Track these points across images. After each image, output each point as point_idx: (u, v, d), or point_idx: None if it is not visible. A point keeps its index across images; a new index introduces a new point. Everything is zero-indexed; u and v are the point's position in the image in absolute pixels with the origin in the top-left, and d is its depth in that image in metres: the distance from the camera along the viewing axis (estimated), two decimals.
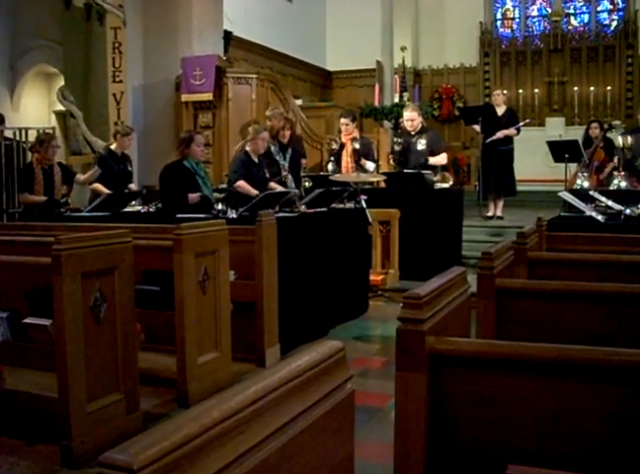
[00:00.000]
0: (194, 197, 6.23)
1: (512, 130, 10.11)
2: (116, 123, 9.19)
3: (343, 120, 8.77)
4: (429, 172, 8.36)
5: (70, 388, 3.34)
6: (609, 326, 2.87)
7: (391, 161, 9.28)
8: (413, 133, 8.76)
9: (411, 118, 8.78)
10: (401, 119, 12.75)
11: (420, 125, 8.81)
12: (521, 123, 10.45)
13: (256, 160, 6.93)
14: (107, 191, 7.18)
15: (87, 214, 6.43)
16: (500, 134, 10.00)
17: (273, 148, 7.50)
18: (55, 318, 3.37)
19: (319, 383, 1.47)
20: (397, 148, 8.79)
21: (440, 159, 8.81)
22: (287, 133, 7.64)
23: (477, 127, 10.19)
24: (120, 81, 9.53)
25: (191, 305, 4.19)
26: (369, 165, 8.60)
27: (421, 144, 8.63)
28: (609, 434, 1.83)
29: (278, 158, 7.53)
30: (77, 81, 9.61)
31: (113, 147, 7.83)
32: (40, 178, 7.13)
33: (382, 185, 8.76)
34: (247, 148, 7.02)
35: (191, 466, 1.06)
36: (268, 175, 7.09)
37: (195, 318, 4.23)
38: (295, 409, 1.36)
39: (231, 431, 1.16)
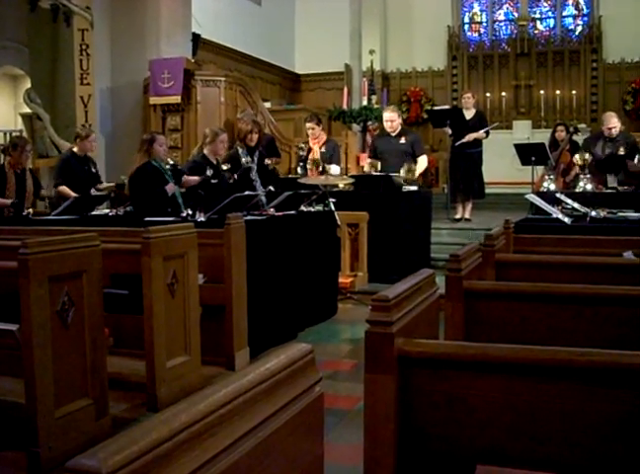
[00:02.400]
0: (170, 186, 6.28)
1: (481, 133, 10.19)
2: (83, 126, 9.12)
3: (308, 125, 8.83)
4: (400, 175, 8.36)
5: (38, 394, 3.30)
6: (576, 326, 2.90)
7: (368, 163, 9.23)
8: (393, 135, 8.82)
9: (391, 118, 8.86)
10: (370, 122, 12.84)
11: (399, 127, 8.88)
12: (490, 127, 10.54)
13: (214, 162, 6.93)
14: (74, 194, 7.13)
15: (54, 218, 6.37)
16: (469, 137, 10.08)
17: (240, 151, 7.49)
18: (22, 323, 3.34)
19: (288, 386, 1.47)
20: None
21: (422, 162, 8.87)
22: (255, 137, 7.62)
23: (449, 130, 10.24)
24: (88, 83, 9.45)
25: (159, 309, 4.17)
26: (334, 169, 8.61)
27: (403, 144, 8.68)
28: (578, 433, 1.85)
29: (245, 160, 7.53)
30: (44, 83, 9.52)
31: (75, 150, 7.77)
32: (13, 182, 7.08)
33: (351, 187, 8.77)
34: (205, 151, 7.01)
35: (160, 470, 1.06)
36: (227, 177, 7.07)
37: (163, 322, 4.21)
38: (265, 412, 1.36)
39: (200, 434, 1.16)
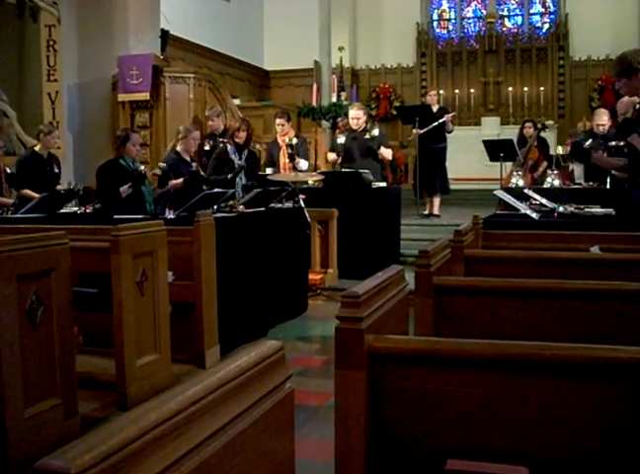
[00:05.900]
0: (124, 189, 6.28)
1: (448, 116, 10.26)
2: (51, 123, 9.04)
3: (278, 121, 8.87)
4: (367, 171, 8.39)
5: (6, 394, 3.27)
6: (545, 321, 2.93)
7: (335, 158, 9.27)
8: (359, 131, 8.86)
9: (356, 116, 8.90)
10: (339, 119, 12.87)
11: (364, 124, 8.91)
12: (451, 114, 10.58)
13: (188, 159, 6.98)
14: (37, 195, 6.99)
15: (22, 216, 6.30)
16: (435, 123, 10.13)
17: (229, 148, 7.51)
18: None
19: (259, 383, 1.47)
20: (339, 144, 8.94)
21: (387, 153, 8.98)
22: (243, 135, 7.62)
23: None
24: (55, 80, 9.36)
25: (129, 307, 4.14)
26: (303, 163, 8.62)
27: (369, 135, 8.71)
28: (548, 426, 1.87)
29: (233, 157, 7.53)
30: (10, 79, 9.39)
31: (37, 148, 7.66)
32: None
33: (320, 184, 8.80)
34: (178, 148, 7.05)
35: (130, 470, 1.05)
36: (202, 173, 7.13)
37: (133, 320, 4.19)
38: (235, 409, 1.36)
39: (170, 433, 1.16)
